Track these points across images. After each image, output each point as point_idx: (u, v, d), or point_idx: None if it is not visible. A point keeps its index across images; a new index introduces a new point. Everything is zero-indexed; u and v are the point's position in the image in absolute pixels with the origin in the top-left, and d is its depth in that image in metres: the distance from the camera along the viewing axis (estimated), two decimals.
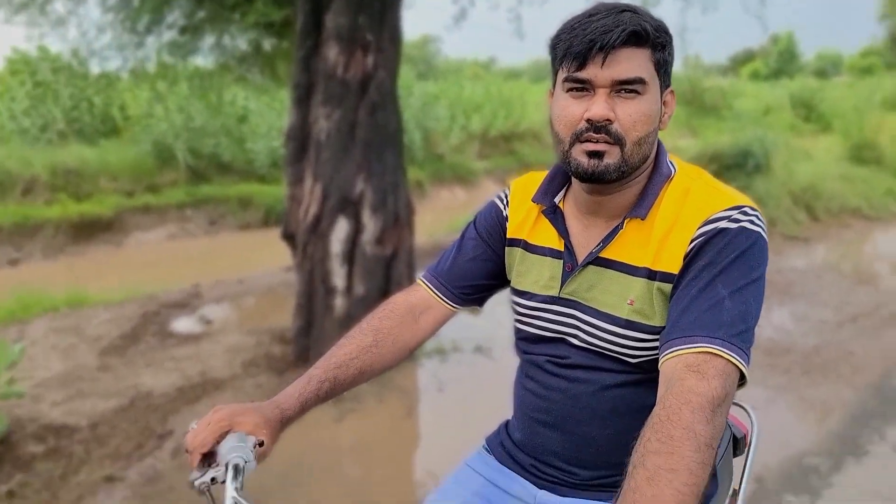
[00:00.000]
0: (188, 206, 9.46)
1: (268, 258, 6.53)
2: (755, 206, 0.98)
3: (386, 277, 3.97)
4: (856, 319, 4.75)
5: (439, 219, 8.72)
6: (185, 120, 10.45)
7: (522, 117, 15.00)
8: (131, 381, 3.86)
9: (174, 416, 3.44)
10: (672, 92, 1.03)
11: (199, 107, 10.42)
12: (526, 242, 1.15)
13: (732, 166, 8.11)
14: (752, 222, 0.95)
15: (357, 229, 3.87)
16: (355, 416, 3.42)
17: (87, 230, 8.45)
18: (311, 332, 3.97)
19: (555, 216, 1.11)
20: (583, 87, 0.95)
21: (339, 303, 3.88)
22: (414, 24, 11.24)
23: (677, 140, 13.58)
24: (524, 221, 1.16)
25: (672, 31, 1.00)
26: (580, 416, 1.08)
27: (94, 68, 5.59)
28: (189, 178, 10.13)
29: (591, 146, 0.96)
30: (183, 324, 5.05)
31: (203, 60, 5.69)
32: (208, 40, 5.07)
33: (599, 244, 1.05)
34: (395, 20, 3.91)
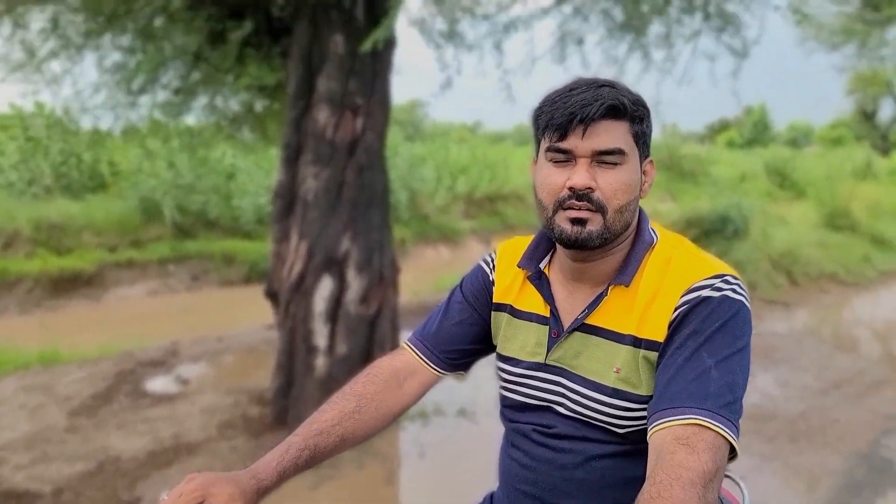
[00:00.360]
0: (171, 261, 9.39)
1: (250, 316, 6.46)
2: (736, 275, 1.00)
3: (369, 337, 3.94)
4: (839, 386, 4.76)
5: (424, 278, 8.73)
6: (174, 177, 10.50)
7: (507, 179, 15.28)
8: (100, 443, 3.74)
9: (143, 482, 3.31)
10: (651, 162, 1.06)
11: (188, 164, 10.50)
12: (512, 307, 1.16)
13: (712, 231, 8.26)
14: (734, 291, 0.96)
15: (341, 288, 3.86)
16: (333, 483, 3.32)
17: (67, 285, 8.32)
18: (290, 393, 3.90)
19: (540, 282, 1.11)
20: (565, 157, 0.99)
21: (321, 363, 3.82)
22: (403, 88, 11.57)
23: (657, 204, 13.86)
24: (511, 286, 1.17)
25: (649, 102, 1.05)
26: (567, 487, 1.05)
27: (86, 124, 5.64)
28: (174, 234, 10.10)
29: (573, 213, 0.98)
30: (158, 383, 4.93)
31: (194, 119, 5.77)
32: (201, 100, 5.16)
33: (585, 310, 1.05)
34: (384, 85, 4.02)
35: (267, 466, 1.00)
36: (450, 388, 4.17)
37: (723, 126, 45.29)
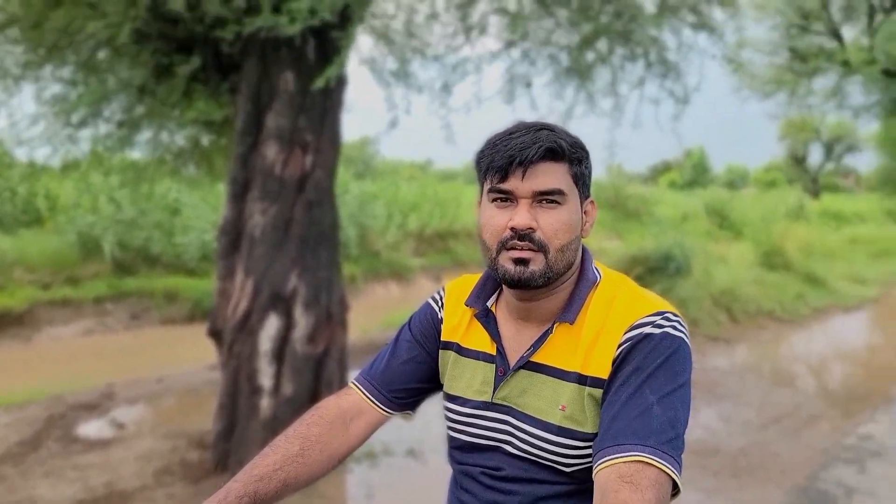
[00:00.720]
0: (109, 299, 9.03)
1: (191, 356, 6.24)
2: (677, 312, 1.02)
3: (316, 377, 3.85)
4: (778, 420, 4.90)
5: (373, 315, 8.64)
6: (115, 211, 10.18)
7: (457, 217, 15.42)
8: (25, 493, 3.51)
9: None
10: (592, 202, 1.09)
11: (130, 199, 10.20)
12: (459, 346, 1.15)
13: (656, 269, 8.49)
14: (674, 328, 0.99)
15: (288, 326, 3.78)
16: None
17: None
18: (232, 436, 3.76)
19: (487, 320, 1.12)
20: (506, 198, 1.01)
21: (266, 403, 3.71)
22: (353, 126, 11.62)
23: (604, 242, 14.19)
24: (458, 325, 1.17)
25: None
26: None
27: (21, 156, 5.42)
28: (113, 271, 9.73)
29: (516, 253, 1.00)
30: (91, 428, 4.68)
31: (138, 153, 5.63)
32: (145, 134, 5.05)
33: (530, 348, 1.06)
34: (334, 122, 4.03)
35: None
36: (398, 428, 4.10)
37: (665, 168, 47.06)
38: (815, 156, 38.35)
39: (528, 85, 4.44)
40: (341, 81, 4.07)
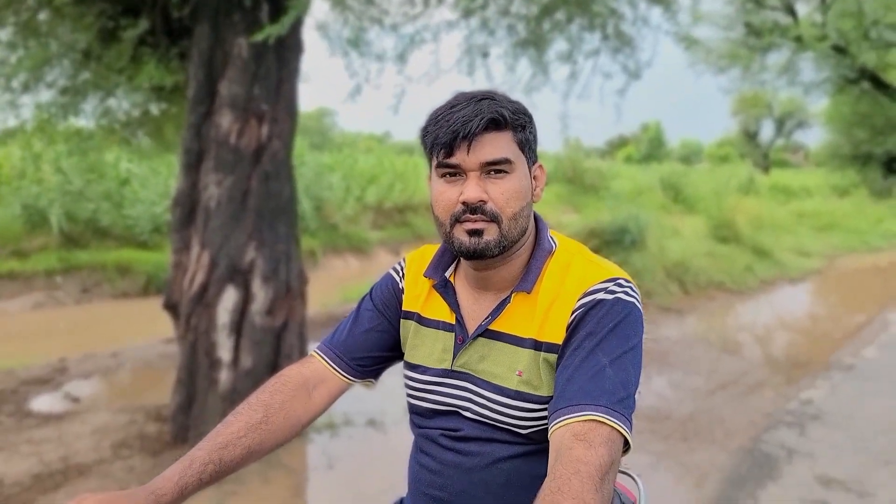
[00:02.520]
0: (59, 272, 8.75)
1: (147, 330, 6.13)
2: (629, 279, 1.06)
3: (275, 350, 3.83)
4: (725, 386, 5.10)
5: (332, 289, 8.60)
6: (61, 182, 9.80)
7: (416, 190, 15.36)
8: None
9: None
10: (541, 167, 1.11)
11: (77, 169, 9.83)
12: (419, 315, 1.18)
13: (612, 241, 8.66)
14: (626, 293, 1.02)
15: (246, 299, 3.74)
16: (237, 499, 3.20)
17: None
18: (191, 410, 3.72)
19: (446, 290, 1.14)
20: (455, 172, 1.02)
21: (224, 377, 3.68)
22: (310, 96, 11.38)
23: (561, 216, 14.37)
24: (419, 295, 1.19)
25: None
26: (475, 491, 1.08)
27: None
28: (62, 244, 9.41)
29: (469, 225, 1.02)
30: (44, 402, 4.58)
31: (85, 121, 5.42)
32: (92, 102, 4.86)
33: (488, 317, 1.09)
34: (291, 92, 3.95)
35: (167, 482, 0.95)
36: (359, 398, 4.13)
37: (622, 142, 47.66)
38: (766, 131, 39.44)
39: (486, 55, 4.42)
40: (297, 49, 3.97)
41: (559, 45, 4.57)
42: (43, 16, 4.05)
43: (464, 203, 1.01)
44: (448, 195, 1.03)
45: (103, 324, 7.77)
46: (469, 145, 0.99)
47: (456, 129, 0.98)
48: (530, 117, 1.07)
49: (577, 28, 4.48)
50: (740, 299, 8.86)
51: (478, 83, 4.56)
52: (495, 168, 1.01)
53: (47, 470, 3.42)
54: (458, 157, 1.00)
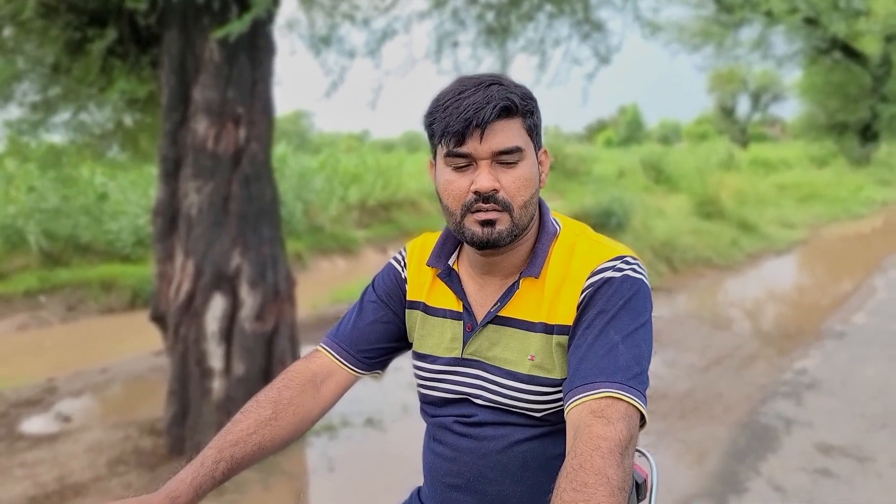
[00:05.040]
0: (41, 292, 8.61)
1: (135, 344, 6.05)
2: (635, 256, 1.06)
3: (267, 355, 3.79)
4: (719, 361, 5.13)
5: (322, 291, 8.55)
6: (36, 200, 9.64)
7: (400, 186, 15.30)
8: None
9: None
10: (545, 152, 1.09)
11: (52, 186, 9.68)
12: (425, 305, 1.17)
13: (597, 225, 8.68)
14: (634, 270, 1.02)
15: (234, 306, 3.69)
16: None
17: None
18: (186, 420, 3.68)
19: (450, 278, 1.13)
20: (465, 161, 1.00)
21: (217, 385, 3.64)
22: (285, 99, 11.29)
23: (547, 202, 14.37)
24: (422, 284, 1.18)
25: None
26: (491, 474, 1.08)
27: None
28: (42, 263, 9.27)
29: (482, 216, 1.00)
30: (35, 423, 4.50)
31: (58, 137, 5.34)
32: (63, 116, 4.77)
33: (497, 303, 1.08)
34: (266, 93, 3.89)
35: (181, 484, 0.95)
36: (356, 399, 4.10)
37: (601, 126, 47.84)
38: (742, 106, 39.74)
39: (455, 45, 4.39)
40: (269, 49, 3.92)
41: (528, 33, 4.55)
42: (7, 32, 3.97)
43: (476, 193, 0.99)
44: (458, 184, 1.01)
45: (90, 341, 7.66)
46: (482, 134, 0.97)
47: (468, 118, 0.96)
48: (536, 101, 1.05)
49: (545, 16, 4.45)
50: (728, 274, 8.93)
51: (448, 74, 4.54)
52: (507, 157, 0.99)
53: (43, 492, 3.36)
54: (470, 146, 0.98)
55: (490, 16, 4.43)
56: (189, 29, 3.67)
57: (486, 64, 4.58)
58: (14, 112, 4.58)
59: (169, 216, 3.75)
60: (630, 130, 42.37)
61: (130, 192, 10.61)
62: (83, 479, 3.48)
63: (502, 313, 1.08)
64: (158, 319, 3.82)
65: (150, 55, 4.05)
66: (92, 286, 8.99)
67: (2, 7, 3.35)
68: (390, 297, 1.20)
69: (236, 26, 3.25)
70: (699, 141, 31.05)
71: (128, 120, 5.17)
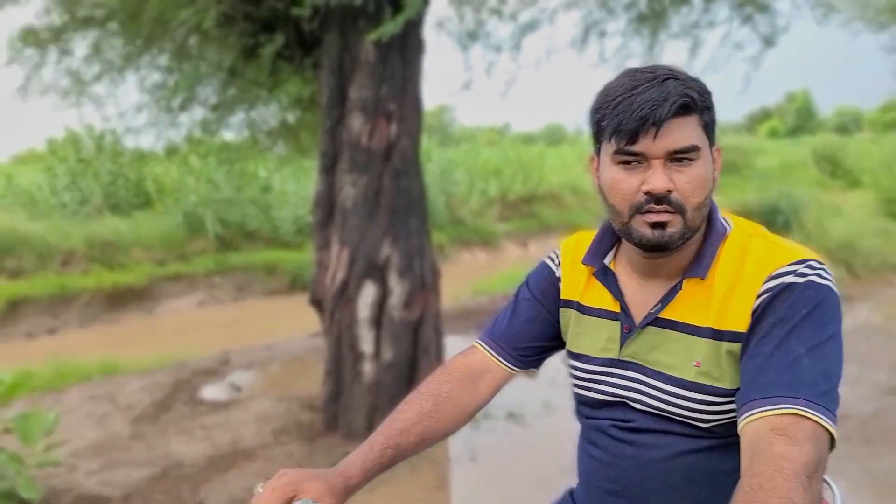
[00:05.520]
0: (216, 273, 9.60)
1: (294, 324, 6.54)
2: (821, 260, 0.95)
3: (414, 343, 3.93)
4: None
5: (462, 282, 8.71)
6: (212, 191, 10.76)
7: (541, 180, 15.14)
8: (163, 449, 3.83)
9: (205, 486, 3.38)
10: (718, 149, 1.02)
11: (226, 178, 10.74)
12: (579, 304, 1.14)
13: (761, 224, 8.01)
14: (819, 276, 0.92)
15: (384, 294, 3.87)
16: (388, 488, 3.32)
17: (121, 299, 8.59)
18: (339, 400, 3.92)
19: (606, 277, 1.09)
20: (636, 159, 0.94)
21: (368, 369, 3.84)
22: (429, 94, 11.59)
23: None
24: (577, 283, 1.15)
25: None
26: (652, 485, 1.02)
27: (130, 144, 5.85)
28: (217, 247, 10.33)
29: (653, 217, 0.94)
30: (213, 391, 5.04)
31: (232, 135, 5.92)
32: (238, 116, 5.28)
33: (658, 305, 1.02)
34: (415, 90, 4.03)
35: (353, 465, 1.01)
36: (498, 392, 4.13)
37: (764, 115, 44.14)
38: None
39: (602, 34, 4.24)
40: (419, 47, 4.04)
41: (679, 17, 4.30)
42: (193, 40, 4.44)
43: (647, 193, 0.93)
44: (627, 183, 0.95)
45: (256, 319, 8.41)
46: (657, 132, 0.91)
47: (643, 115, 0.90)
48: (712, 96, 0.98)
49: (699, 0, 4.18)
50: None
51: (590, 65, 4.42)
52: (682, 156, 0.93)
53: (218, 453, 3.75)
54: (643, 145, 0.92)
55: (642, 2, 4.24)
56: (347, 32, 3.88)
57: (633, 51, 4.40)
58: (198, 113, 5.15)
59: (327, 208, 4.00)
60: (800, 119, 38.70)
61: (291, 183, 11.49)
62: (252, 445, 3.84)
63: (663, 315, 1.01)
64: (316, 303, 4.11)
65: (312, 58, 4.34)
66: (258, 269, 9.87)
67: (189, 19, 3.75)
68: (544, 296, 1.18)
69: (390, 27, 3.39)
70: (886, 130, 27.64)
71: (290, 118, 5.60)
